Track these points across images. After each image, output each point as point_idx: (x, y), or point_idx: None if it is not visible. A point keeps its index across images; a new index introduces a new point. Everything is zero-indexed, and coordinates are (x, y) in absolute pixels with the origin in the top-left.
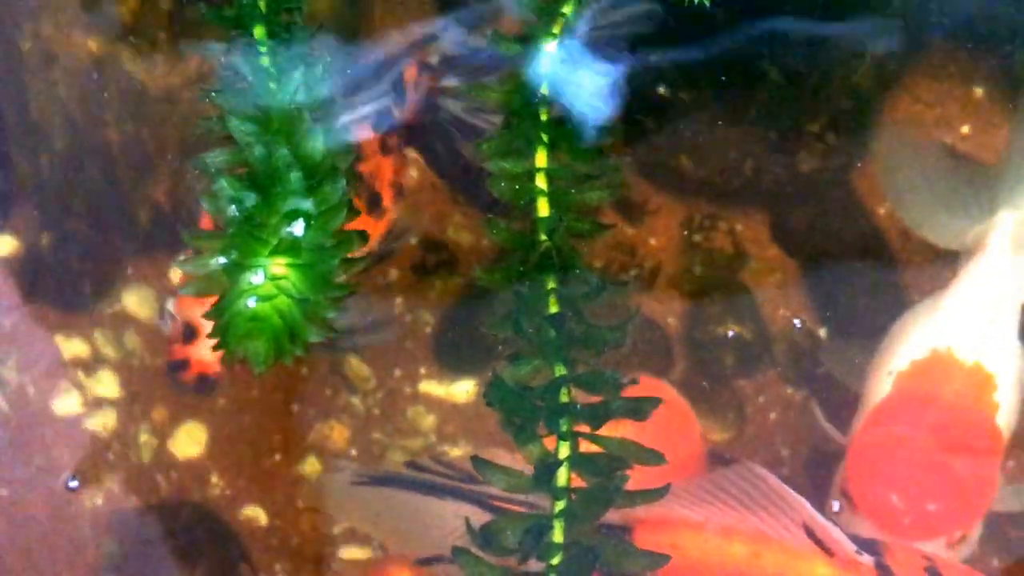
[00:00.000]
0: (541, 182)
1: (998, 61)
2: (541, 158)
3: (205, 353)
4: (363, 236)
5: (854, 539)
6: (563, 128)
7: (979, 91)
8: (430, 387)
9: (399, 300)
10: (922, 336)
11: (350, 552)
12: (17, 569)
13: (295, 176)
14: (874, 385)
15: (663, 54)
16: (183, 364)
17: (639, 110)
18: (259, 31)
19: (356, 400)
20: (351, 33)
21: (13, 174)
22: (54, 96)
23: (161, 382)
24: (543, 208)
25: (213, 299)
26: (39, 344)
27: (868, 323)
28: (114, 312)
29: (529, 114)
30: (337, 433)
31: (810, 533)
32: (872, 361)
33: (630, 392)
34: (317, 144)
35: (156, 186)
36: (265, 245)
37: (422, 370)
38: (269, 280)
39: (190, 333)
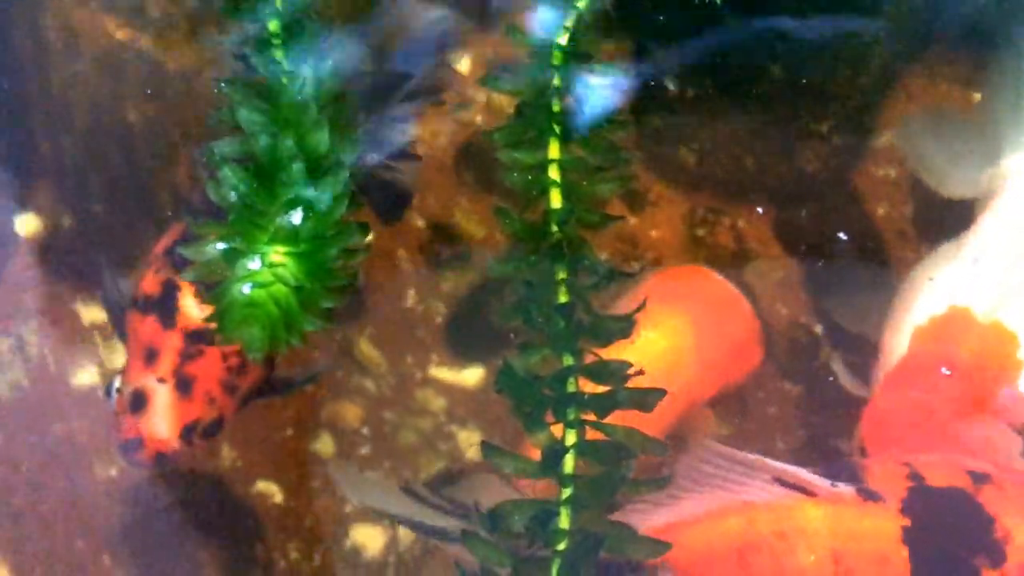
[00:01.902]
0: (554, 173)
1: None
2: (554, 149)
3: (159, 425)
4: (364, 227)
5: (834, 467)
6: (575, 120)
7: (977, 96)
8: (440, 372)
9: (412, 291)
10: (941, 289)
11: (363, 532)
12: (35, 535)
13: (297, 167)
14: (893, 338)
15: (670, 50)
16: (136, 444)
17: (645, 105)
18: (274, 25)
19: (368, 382)
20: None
21: (37, 154)
22: (77, 79)
23: None
24: (555, 199)
25: (167, 363)
26: (60, 321)
27: (865, 319)
28: None
29: (541, 105)
30: (350, 412)
31: (784, 483)
32: (891, 310)
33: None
34: (323, 136)
35: (176, 170)
36: (264, 232)
37: (433, 356)
38: (266, 267)
39: (139, 401)
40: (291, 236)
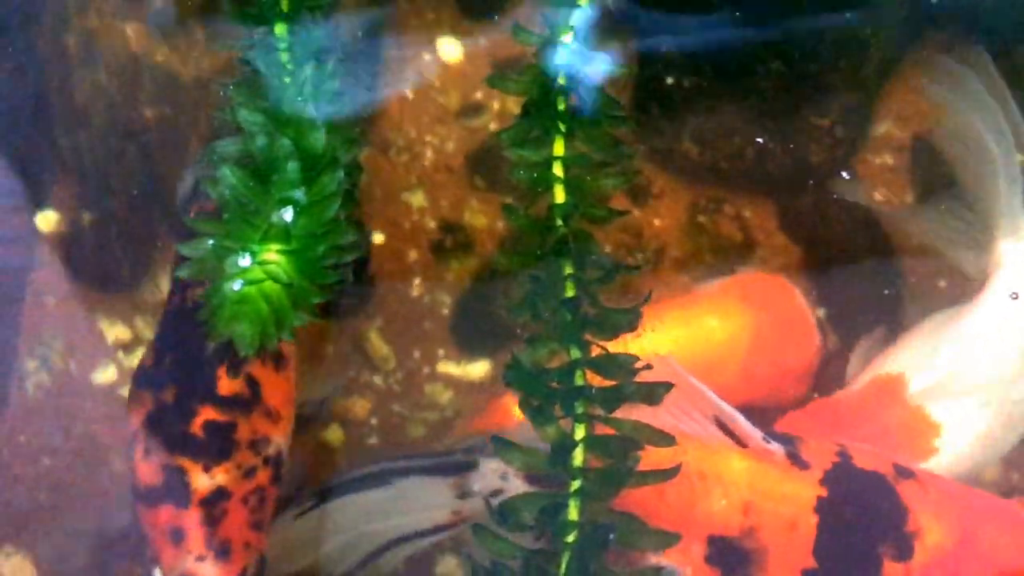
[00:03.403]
0: (558, 170)
1: (992, 53)
2: (558, 146)
3: None
4: (357, 225)
5: (770, 434)
6: (579, 117)
7: None
8: (447, 366)
9: (416, 281)
10: (906, 353)
11: None
12: (53, 529)
13: (292, 166)
14: (857, 365)
15: (672, 44)
16: None
17: (648, 98)
18: (280, 28)
19: (377, 378)
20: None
21: (57, 155)
22: (96, 82)
23: None
24: (560, 195)
25: (198, 541)
26: (81, 322)
27: (866, 307)
28: (156, 300)
29: (546, 104)
30: (359, 406)
31: (721, 425)
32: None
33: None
34: (319, 135)
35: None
36: (257, 230)
37: (440, 351)
38: (257, 264)
39: None
40: (283, 234)
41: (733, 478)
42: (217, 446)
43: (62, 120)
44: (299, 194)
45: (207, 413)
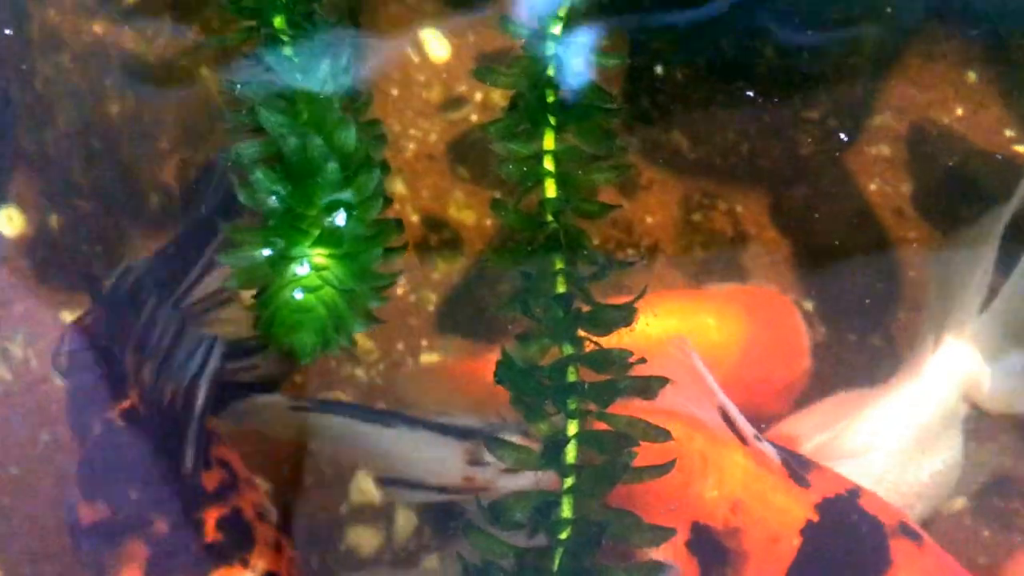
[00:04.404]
0: (548, 164)
1: (990, 45)
2: (548, 140)
3: None
4: (400, 225)
5: (795, 459)
6: (569, 110)
7: (972, 75)
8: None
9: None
10: (803, 419)
11: (358, 532)
12: (24, 533)
13: (332, 167)
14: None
15: (663, 34)
16: None
17: (638, 90)
18: (279, 21)
19: (360, 371)
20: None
21: (20, 154)
22: (60, 78)
23: None
24: (550, 189)
25: None
26: (47, 322)
27: (861, 300)
28: None
29: (536, 96)
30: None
31: (725, 417)
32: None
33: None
34: (350, 134)
35: (164, 169)
36: (307, 236)
37: (424, 342)
38: (314, 271)
39: None
40: (335, 238)
41: (732, 472)
42: (238, 536)
43: (24, 118)
44: (348, 195)
45: (212, 514)
